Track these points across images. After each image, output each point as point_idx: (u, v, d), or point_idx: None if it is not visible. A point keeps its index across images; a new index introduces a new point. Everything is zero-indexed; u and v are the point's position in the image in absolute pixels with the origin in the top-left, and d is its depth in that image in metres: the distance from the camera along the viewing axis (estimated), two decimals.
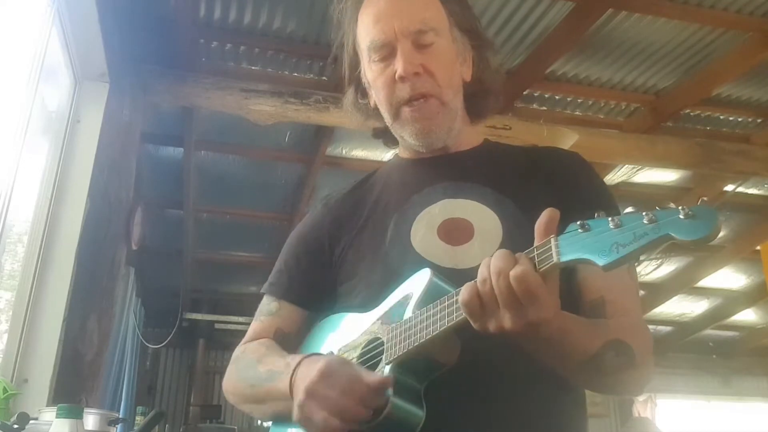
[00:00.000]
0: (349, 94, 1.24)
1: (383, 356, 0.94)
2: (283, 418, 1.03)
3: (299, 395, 0.92)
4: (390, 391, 0.88)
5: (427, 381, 0.93)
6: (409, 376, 0.92)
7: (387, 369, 0.92)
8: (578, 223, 0.75)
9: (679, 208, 0.68)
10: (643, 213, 0.70)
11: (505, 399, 0.96)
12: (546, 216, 0.81)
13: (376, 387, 0.89)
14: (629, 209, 0.73)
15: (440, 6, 1.14)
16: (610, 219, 0.73)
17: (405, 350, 0.90)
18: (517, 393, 0.97)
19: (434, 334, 0.88)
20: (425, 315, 0.90)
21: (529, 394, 0.97)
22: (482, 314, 0.82)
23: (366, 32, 1.13)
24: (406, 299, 0.96)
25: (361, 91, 1.22)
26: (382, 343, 0.95)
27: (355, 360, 0.99)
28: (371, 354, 0.97)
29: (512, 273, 0.78)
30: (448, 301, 0.87)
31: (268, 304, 1.19)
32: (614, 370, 0.92)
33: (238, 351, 1.16)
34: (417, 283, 0.96)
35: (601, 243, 0.72)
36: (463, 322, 0.85)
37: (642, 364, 0.95)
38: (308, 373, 0.93)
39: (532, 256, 0.80)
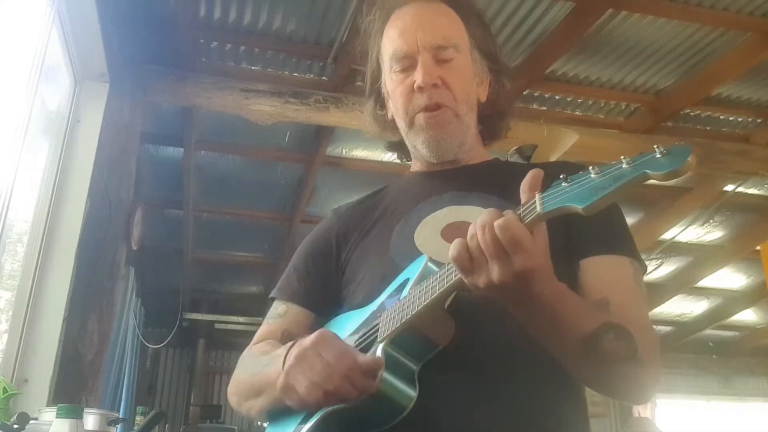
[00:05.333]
0: (369, 105, 1.29)
1: (377, 336, 0.95)
2: (277, 408, 1.03)
3: (288, 361, 0.93)
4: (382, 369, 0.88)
5: (421, 362, 0.93)
6: (402, 354, 0.92)
7: (380, 346, 0.92)
8: (562, 176, 0.78)
9: (656, 147, 0.71)
10: (623, 157, 0.73)
11: (499, 384, 0.96)
12: (530, 175, 0.84)
13: (367, 366, 0.88)
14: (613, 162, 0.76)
15: (463, 27, 1.19)
16: (591, 168, 0.75)
17: (397, 325, 0.91)
18: (511, 379, 0.96)
19: (423, 305, 0.89)
20: (417, 291, 0.92)
21: (523, 381, 0.97)
22: (471, 268, 0.83)
23: (390, 43, 1.18)
24: (402, 285, 0.98)
25: (380, 103, 1.27)
26: (378, 328, 0.96)
27: (353, 344, 0.99)
28: (368, 338, 0.98)
29: (496, 223, 0.80)
30: (438, 273, 0.89)
31: (276, 308, 1.21)
32: (613, 357, 0.89)
33: (245, 352, 1.17)
34: (414, 269, 0.98)
35: (582, 189, 0.75)
36: (451, 287, 0.86)
37: (646, 362, 0.93)
38: (301, 344, 0.94)
39: (518, 212, 0.82)
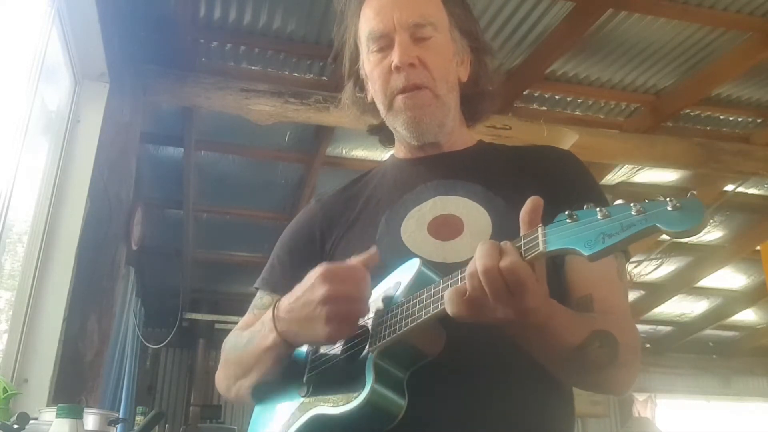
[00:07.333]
0: (348, 88, 1.26)
1: (367, 343, 0.94)
2: (265, 385, 1.03)
3: (295, 293, 0.95)
4: (371, 378, 0.88)
5: (410, 370, 0.93)
6: (391, 364, 0.92)
7: (371, 358, 0.92)
8: (567, 213, 0.75)
9: (668, 199, 0.68)
10: (632, 204, 0.70)
11: (490, 393, 0.96)
12: (530, 204, 0.81)
13: (364, 262, 0.93)
14: (619, 201, 0.73)
15: (442, 5, 1.16)
16: (598, 210, 0.72)
17: (388, 338, 0.90)
18: (501, 388, 0.96)
19: (417, 322, 0.87)
20: (410, 303, 0.90)
21: (514, 390, 0.97)
22: (472, 315, 0.82)
23: (366, 23, 1.16)
24: (393, 288, 0.97)
25: (359, 85, 1.24)
26: (367, 331, 0.95)
27: (340, 347, 0.99)
28: (356, 341, 0.97)
29: (501, 264, 0.78)
30: (433, 289, 0.87)
31: (261, 298, 1.22)
32: (598, 363, 0.91)
33: (227, 338, 1.18)
34: (406, 272, 0.97)
35: (588, 233, 0.72)
36: (444, 311, 0.85)
37: (627, 362, 0.95)
38: (297, 287, 0.96)
39: (519, 245, 0.79)
